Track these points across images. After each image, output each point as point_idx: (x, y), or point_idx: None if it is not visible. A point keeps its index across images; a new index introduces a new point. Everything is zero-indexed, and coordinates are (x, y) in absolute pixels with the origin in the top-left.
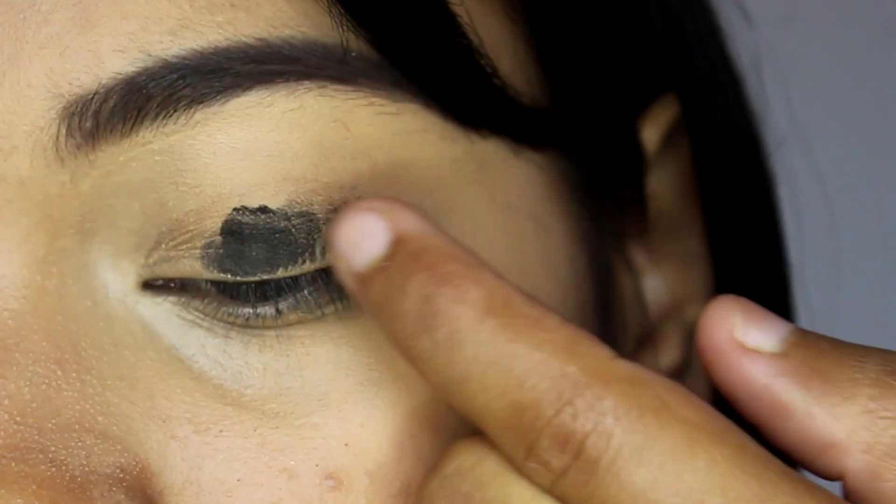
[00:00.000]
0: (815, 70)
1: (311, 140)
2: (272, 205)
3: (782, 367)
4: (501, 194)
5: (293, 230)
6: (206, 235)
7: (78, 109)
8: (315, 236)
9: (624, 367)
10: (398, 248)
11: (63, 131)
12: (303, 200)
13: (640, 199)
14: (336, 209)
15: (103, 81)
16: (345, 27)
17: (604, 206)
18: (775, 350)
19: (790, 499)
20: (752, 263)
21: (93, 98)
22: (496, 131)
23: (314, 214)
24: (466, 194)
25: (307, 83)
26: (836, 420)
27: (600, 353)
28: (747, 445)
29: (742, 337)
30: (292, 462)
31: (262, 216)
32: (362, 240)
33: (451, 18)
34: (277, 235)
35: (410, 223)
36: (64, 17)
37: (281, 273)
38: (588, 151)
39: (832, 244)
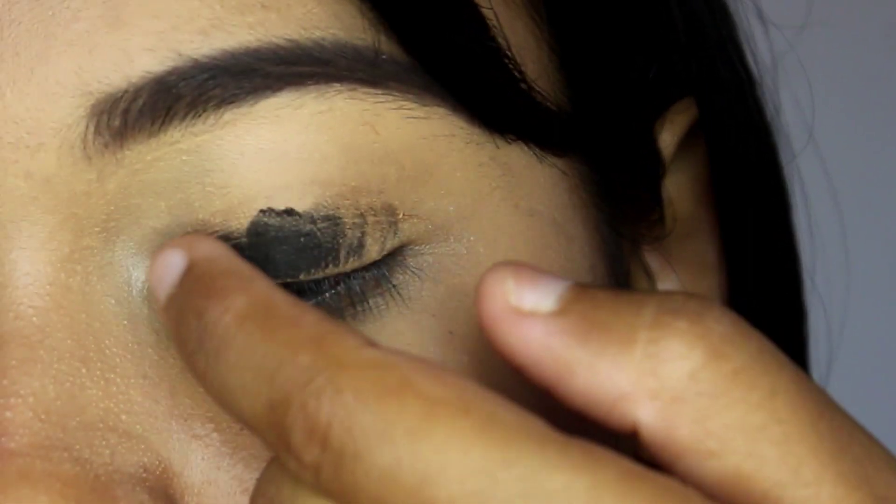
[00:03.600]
0: (829, 75)
1: (339, 143)
2: (299, 207)
3: (560, 324)
4: (525, 200)
5: (318, 234)
6: (232, 237)
7: (106, 108)
8: (340, 240)
9: (370, 353)
10: (186, 274)
11: (91, 129)
12: (329, 204)
13: (657, 205)
14: (362, 213)
15: (133, 80)
16: (377, 29)
17: (622, 211)
18: (552, 309)
19: (537, 460)
20: (767, 268)
21: (122, 97)
22: (521, 136)
23: (340, 218)
24: (491, 199)
25: (337, 85)
26: (620, 370)
27: (348, 342)
28: (497, 413)
29: (517, 301)
30: None
31: (289, 219)
32: (164, 275)
33: (482, 21)
34: (302, 239)
35: (201, 250)
36: (93, 14)
37: (304, 276)
38: (606, 156)
39: (844, 248)
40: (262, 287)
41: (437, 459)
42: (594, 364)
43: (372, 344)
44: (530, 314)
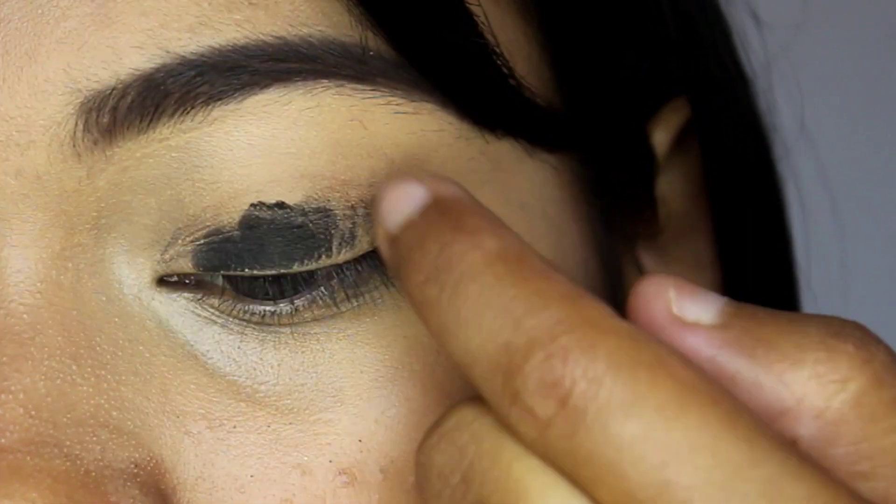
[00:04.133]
0: (823, 74)
1: (328, 138)
2: (289, 200)
3: (724, 338)
4: (516, 195)
5: (310, 225)
6: (224, 230)
7: (95, 105)
8: (332, 231)
9: (623, 323)
10: (430, 206)
11: (80, 127)
12: (320, 196)
13: (650, 202)
14: (353, 205)
15: (121, 77)
16: (363, 26)
17: (614, 208)
18: (714, 322)
19: (780, 467)
20: (761, 266)
21: (110, 94)
22: (511, 131)
23: (331, 210)
24: (481, 194)
25: (325, 82)
26: (786, 387)
27: (602, 308)
28: (741, 411)
29: (679, 311)
30: (306, 458)
31: (280, 211)
32: (402, 202)
33: (469, 18)
34: (294, 231)
35: (448, 188)
36: (82, 12)
37: (297, 268)
38: (600, 154)
39: (839, 247)
40: (514, 236)
41: (687, 443)
42: (759, 378)
43: (620, 316)
44: (693, 325)
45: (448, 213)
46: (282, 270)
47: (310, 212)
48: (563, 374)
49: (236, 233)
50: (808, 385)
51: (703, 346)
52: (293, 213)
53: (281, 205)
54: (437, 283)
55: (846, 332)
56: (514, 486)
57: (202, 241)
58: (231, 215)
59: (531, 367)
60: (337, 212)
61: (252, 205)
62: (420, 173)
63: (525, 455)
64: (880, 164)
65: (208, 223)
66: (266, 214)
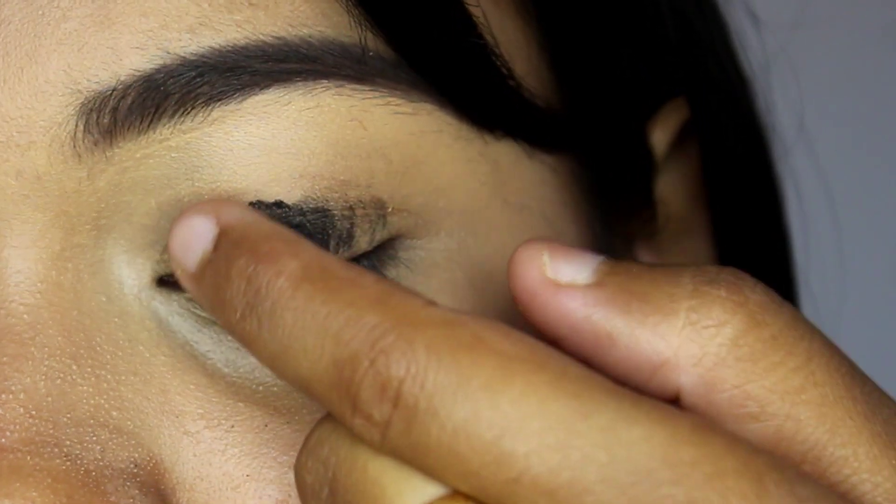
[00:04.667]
0: (821, 74)
1: (327, 138)
2: (288, 200)
3: (599, 296)
4: (515, 196)
5: (308, 225)
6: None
7: (96, 106)
8: (329, 231)
9: (436, 311)
10: (221, 238)
11: (81, 127)
12: (318, 197)
13: (649, 203)
14: (351, 206)
15: (121, 78)
16: (363, 27)
17: (613, 208)
18: (589, 281)
19: (613, 413)
20: (760, 266)
21: (111, 95)
22: (510, 133)
23: (329, 210)
24: (480, 195)
25: (325, 82)
26: (661, 338)
27: (413, 302)
28: (567, 369)
29: (554, 274)
30: None
31: (278, 211)
32: (191, 239)
33: (468, 19)
34: (292, 230)
35: (233, 215)
36: (83, 13)
37: None
38: (598, 154)
39: (838, 246)
40: (311, 250)
41: (516, 413)
42: (635, 333)
43: (435, 303)
44: (568, 286)
45: (241, 243)
46: None
47: (308, 212)
48: (389, 375)
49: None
50: (682, 334)
51: (578, 307)
52: (291, 213)
53: (279, 204)
54: (254, 317)
55: (719, 278)
56: (372, 487)
57: None
58: None
59: (360, 376)
60: (335, 212)
61: (251, 203)
62: (200, 204)
63: (377, 456)
64: (879, 164)
65: None
66: (264, 213)
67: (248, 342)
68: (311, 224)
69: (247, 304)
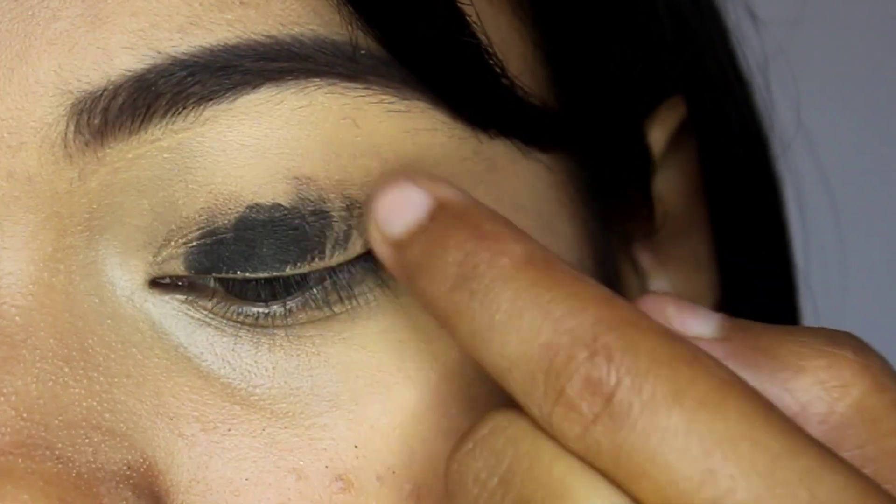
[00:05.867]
0: (821, 72)
1: (320, 137)
2: (284, 202)
3: (727, 350)
4: (510, 195)
5: (307, 227)
6: (219, 232)
7: (87, 106)
8: (327, 233)
9: (657, 324)
10: (439, 211)
11: (72, 128)
12: (315, 198)
13: (647, 201)
14: (348, 206)
15: (112, 78)
16: (354, 25)
17: (610, 207)
18: (715, 335)
19: (817, 459)
20: (759, 265)
21: (101, 95)
22: (505, 131)
23: (327, 212)
24: (475, 195)
25: (317, 80)
26: (790, 394)
27: (636, 309)
28: (776, 408)
29: (681, 327)
30: (301, 463)
31: (276, 214)
32: (402, 207)
33: (460, 17)
34: (291, 233)
35: (450, 191)
36: (73, 13)
37: (290, 271)
38: (595, 153)
39: (838, 246)
40: (534, 240)
41: (728, 433)
42: (764, 387)
43: (650, 317)
44: (696, 338)
45: (463, 218)
46: (274, 273)
47: (306, 213)
48: (609, 371)
49: (230, 235)
50: (811, 391)
51: None
52: (290, 216)
53: (277, 207)
54: (466, 290)
55: (842, 340)
56: (557, 485)
57: (194, 244)
58: (227, 217)
59: (575, 365)
60: (333, 213)
61: (248, 207)
62: (413, 174)
63: (565, 455)
64: (878, 162)
65: (202, 225)
66: (262, 217)
67: (452, 314)
68: (310, 226)
69: (461, 276)
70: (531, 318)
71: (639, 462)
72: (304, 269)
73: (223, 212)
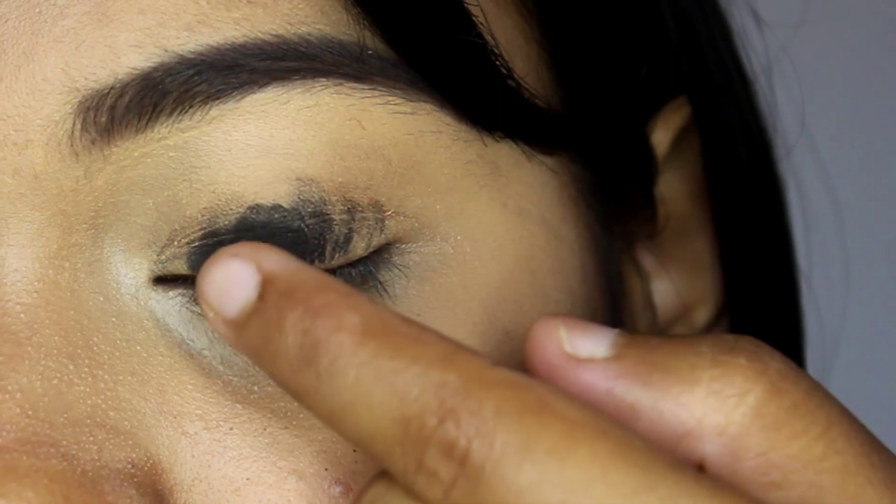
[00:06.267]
0: (824, 74)
1: (326, 138)
2: (286, 203)
3: (619, 369)
4: (514, 199)
5: (306, 230)
6: (219, 233)
7: (93, 104)
8: (327, 236)
9: (503, 373)
10: (268, 287)
11: (78, 126)
12: (317, 200)
13: (650, 203)
14: (349, 209)
15: (119, 76)
16: (362, 25)
17: (613, 209)
18: (608, 354)
19: (675, 487)
20: (761, 267)
21: (108, 93)
22: (510, 133)
23: (328, 214)
24: (479, 198)
25: (323, 80)
26: (685, 408)
27: (479, 362)
28: (631, 439)
29: (572, 349)
30: (301, 464)
31: (276, 215)
32: (231, 286)
33: (467, 18)
34: (290, 234)
35: (276, 262)
36: (80, 11)
37: None
38: (599, 154)
39: (840, 247)
40: (368, 304)
41: (581, 478)
42: (658, 404)
43: (497, 364)
44: (587, 360)
45: (292, 294)
46: None
47: (306, 216)
48: (458, 434)
49: (231, 237)
50: (706, 403)
51: (599, 380)
52: (289, 217)
53: (277, 208)
54: (311, 371)
55: (738, 346)
56: None
57: (196, 244)
58: (227, 218)
59: (427, 433)
60: (334, 217)
61: (249, 208)
62: (236, 248)
63: None
64: (881, 164)
65: (204, 225)
66: (262, 218)
67: (303, 396)
68: (309, 229)
69: (303, 358)
70: (379, 395)
71: None
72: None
73: (224, 212)
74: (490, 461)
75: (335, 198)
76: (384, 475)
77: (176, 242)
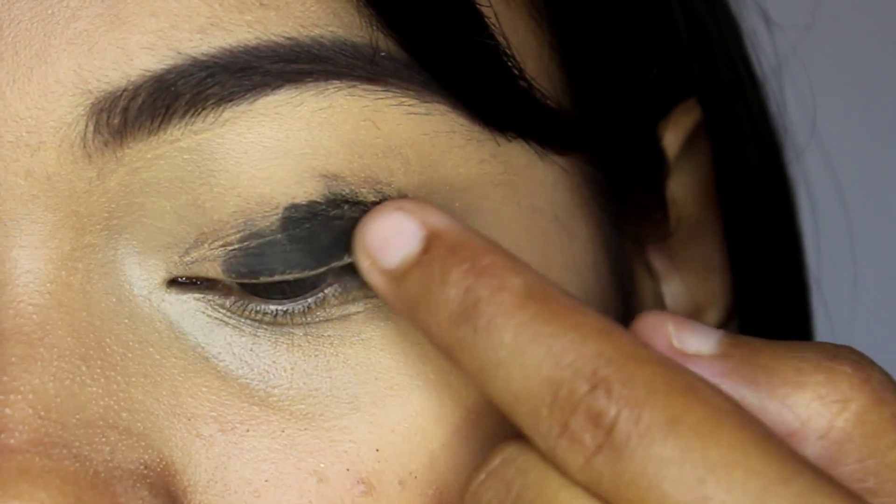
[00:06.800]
0: (834, 76)
1: (342, 138)
2: (320, 199)
3: (726, 367)
4: (527, 197)
5: (348, 220)
6: (265, 234)
7: (106, 106)
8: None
9: (654, 353)
10: (434, 242)
11: (91, 128)
12: (348, 192)
13: (661, 204)
14: (381, 199)
15: (132, 78)
16: (374, 27)
17: (625, 210)
18: (714, 352)
19: (810, 484)
20: (771, 269)
21: (121, 95)
22: (522, 133)
23: (362, 202)
24: (493, 196)
25: (336, 82)
26: (789, 410)
27: (634, 339)
28: (771, 434)
29: (680, 344)
30: (322, 465)
31: (316, 208)
32: (394, 238)
33: (479, 20)
34: (337, 223)
35: (442, 221)
36: (93, 13)
37: (347, 259)
38: (610, 155)
39: (850, 249)
40: (532, 270)
41: (721, 460)
42: (764, 403)
43: (648, 345)
44: (695, 356)
45: (459, 251)
46: (307, 272)
47: (344, 206)
48: (608, 404)
49: (279, 236)
50: (811, 407)
51: (706, 376)
52: (329, 209)
53: (314, 204)
54: (468, 326)
55: (842, 355)
56: None
57: (236, 246)
58: (269, 219)
59: (577, 399)
60: (368, 204)
61: (286, 209)
62: (402, 202)
63: (570, 485)
64: (891, 166)
65: (240, 228)
66: (303, 214)
67: (456, 349)
68: (350, 219)
69: (462, 313)
70: (533, 355)
71: (638, 490)
72: (334, 264)
73: (261, 215)
74: (636, 433)
75: (364, 189)
76: (518, 438)
77: (207, 245)
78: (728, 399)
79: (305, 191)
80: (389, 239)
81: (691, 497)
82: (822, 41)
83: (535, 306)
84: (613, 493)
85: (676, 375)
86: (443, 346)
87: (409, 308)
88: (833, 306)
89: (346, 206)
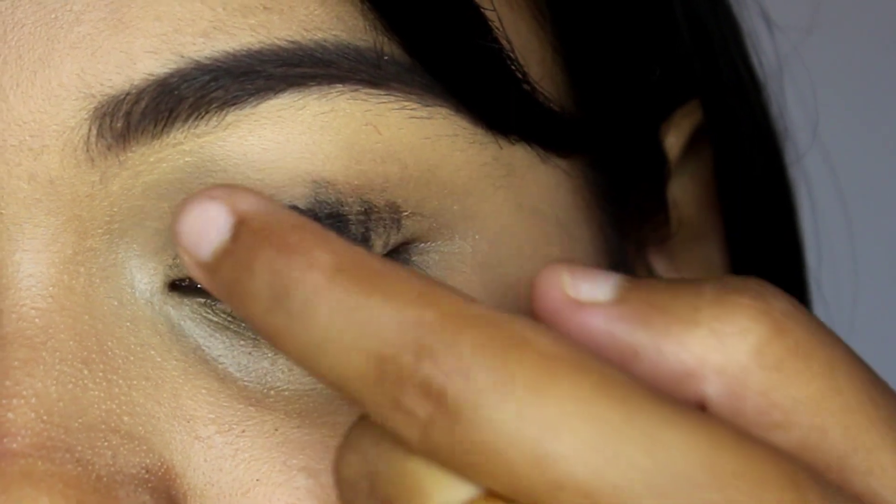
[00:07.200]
0: (835, 77)
1: (342, 143)
2: (302, 205)
3: (621, 311)
4: (529, 200)
5: None
6: None
7: (109, 110)
8: (344, 236)
9: (481, 308)
10: (241, 228)
11: (94, 132)
12: (333, 201)
13: (662, 207)
14: (366, 210)
15: (135, 82)
16: (378, 31)
17: (626, 213)
18: (610, 298)
19: (657, 418)
20: (771, 271)
21: (124, 99)
22: (525, 137)
23: (344, 215)
24: (494, 199)
25: (339, 86)
26: (685, 348)
27: (455, 298)
28: (612, 373)
29: (575, 293)
30: (312, 460)
31: None
32: (204, 227)
33: (483, 23)
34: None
35: (250, 203)
36: (96, 17)
37: None
38: (612, 158)
39: (850, 251)
40: (342, 242)
41: (560, 412)
42: (658, 345)
43: (475, 300)
44: (590, 304)
45: (265, 233)
46: None
47: (322, 216)
48: (435, 372)
49: None
50: (706, 343)
51: (601, 323)
52: (310, 217)
53: (293, 209)
54: (282, 311)
55: (742, 286)
56: (410, 480)
57: None
58: None
59: (405, 374)
60: (350, 217)
61: None
62: (211, 189)
63: (409, 457)
64: (891, 166)
65: None
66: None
67: (274, 336)
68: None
69: (274, 298)
70: (353, 333)
71: (478, 456)
72: None
73: None
74: (467, 398)
75: (351, 199)
76: (362, 419)
77: None
78: (564, 345)
79: (292, 195)
80: (201, 231)
81: (532, 455)
82: (823, 42)
83: (346, 280)
84: (455, 461)
85: (505, 330)
86: (264, 336)
87: (227, 298)
88: (833, 306)
89: (324, 221)
